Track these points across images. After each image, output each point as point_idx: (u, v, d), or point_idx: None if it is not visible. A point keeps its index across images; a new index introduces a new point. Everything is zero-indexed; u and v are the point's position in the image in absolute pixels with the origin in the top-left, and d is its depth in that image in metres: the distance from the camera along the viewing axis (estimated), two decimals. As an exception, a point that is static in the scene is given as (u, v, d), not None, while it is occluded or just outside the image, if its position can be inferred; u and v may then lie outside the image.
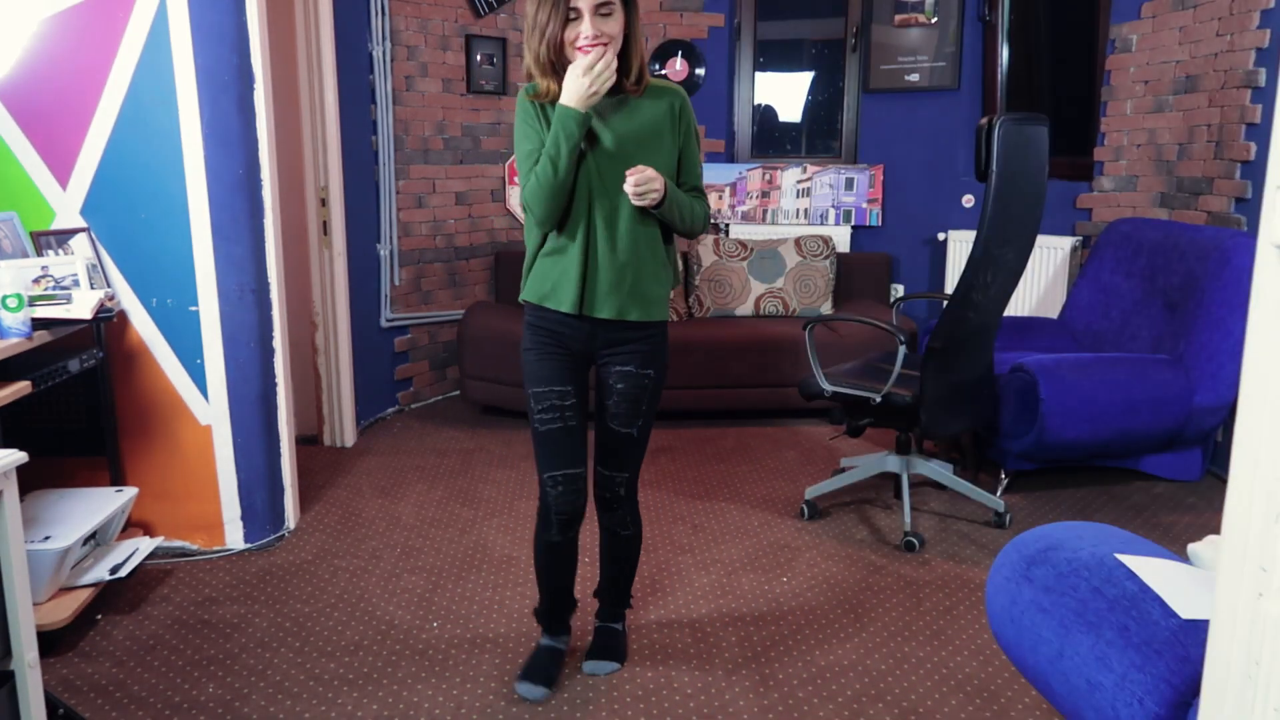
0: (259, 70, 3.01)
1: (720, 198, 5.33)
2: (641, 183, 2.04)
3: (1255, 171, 3.65)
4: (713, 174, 5.31)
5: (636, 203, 2.06)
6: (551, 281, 2.14)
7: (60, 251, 2.89)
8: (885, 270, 5.13)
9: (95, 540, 2.76)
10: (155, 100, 2.91)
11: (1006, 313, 3.70)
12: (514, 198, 5.11)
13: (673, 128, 2.16)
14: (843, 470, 3.63)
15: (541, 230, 2.12)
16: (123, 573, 2.68)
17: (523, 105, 2.11)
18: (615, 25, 2.02)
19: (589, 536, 2.60)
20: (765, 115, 5.60)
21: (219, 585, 2.92)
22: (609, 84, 2.00)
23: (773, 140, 5.65)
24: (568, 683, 2.39)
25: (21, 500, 1.91)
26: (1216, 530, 1.28)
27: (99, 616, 2.71)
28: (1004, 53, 4.93)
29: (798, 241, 4.93)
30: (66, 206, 2.97)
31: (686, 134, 2.19)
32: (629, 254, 2.12)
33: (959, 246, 4.97)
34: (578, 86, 1.98)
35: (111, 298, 2.91)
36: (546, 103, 2.09)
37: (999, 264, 2.98)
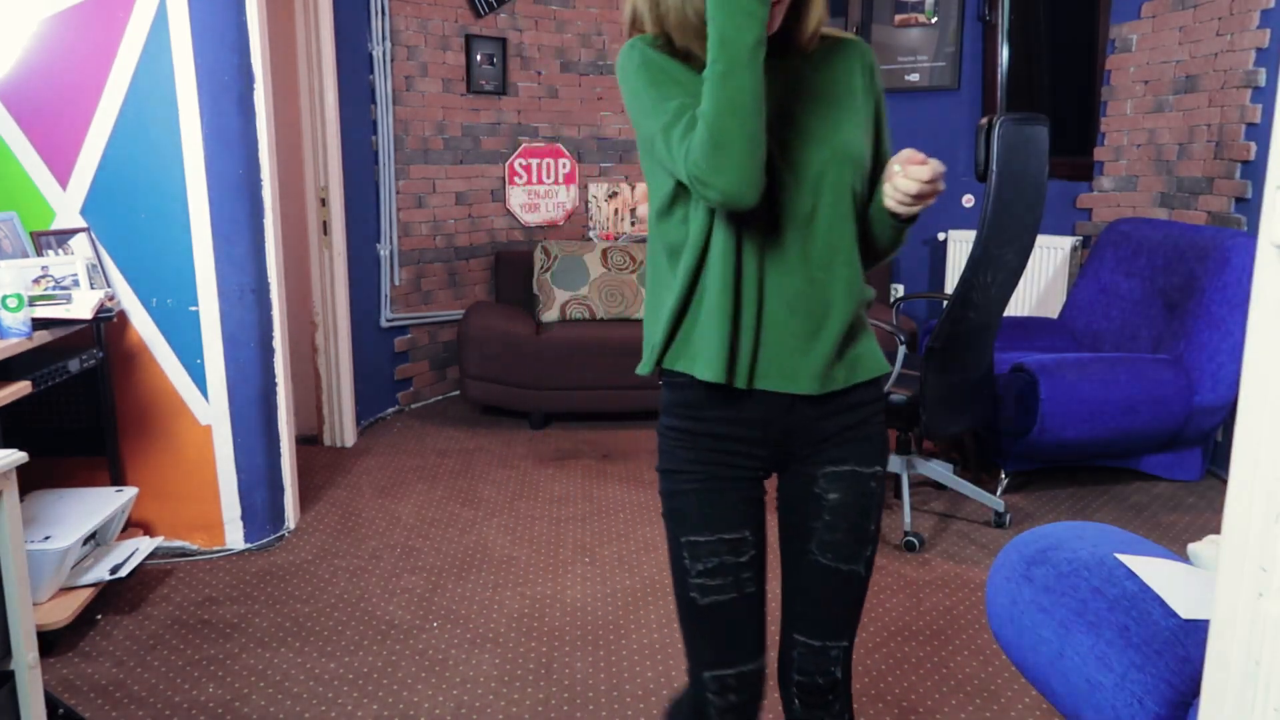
0: (259, 70, 3.01)
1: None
2: (935, 176, 1.25)
3: (1255, 171, 3.65)
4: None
5: (907, 210, 1.29)
6: (712, 343, 1.33)
7: (60, 251, 2.89)
8: (885, 270, 5.12)
9: (95, 540, 2.76)
10: (155, 100, 2.91)
11: (1006, 313, 3.70)
12: (514, 198, 5.11)
13: (866, 93, 1.42)
14: (843, 470, 3.62)
15: (742, 201, 1.24)
16: (123, 573, 2.68)
17: (646, 56, 1.33)
18: None
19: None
20: None
21: (219, 585, 2.93)
22: None
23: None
24: (567, 682, 2.39)
25: (21, 500, 1.91)
26: (1216, 530, 1.28)
27: (99, 616, 2.71)
28: (1004, 53, 4.93)
29: (798, 241, 4.92)
30: (66, 206, 2.97)
31: (880, 101, 1.46)
32: (835, 283, 1.36)
33: (959, 246, 4.97)
34: None
35: (111, 298, 2.91)
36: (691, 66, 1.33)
37: (999, 264, 2.98)
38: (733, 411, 1.38)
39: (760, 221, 1.32)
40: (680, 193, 1.34)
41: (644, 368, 1.44)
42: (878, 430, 1.45)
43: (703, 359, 1.34)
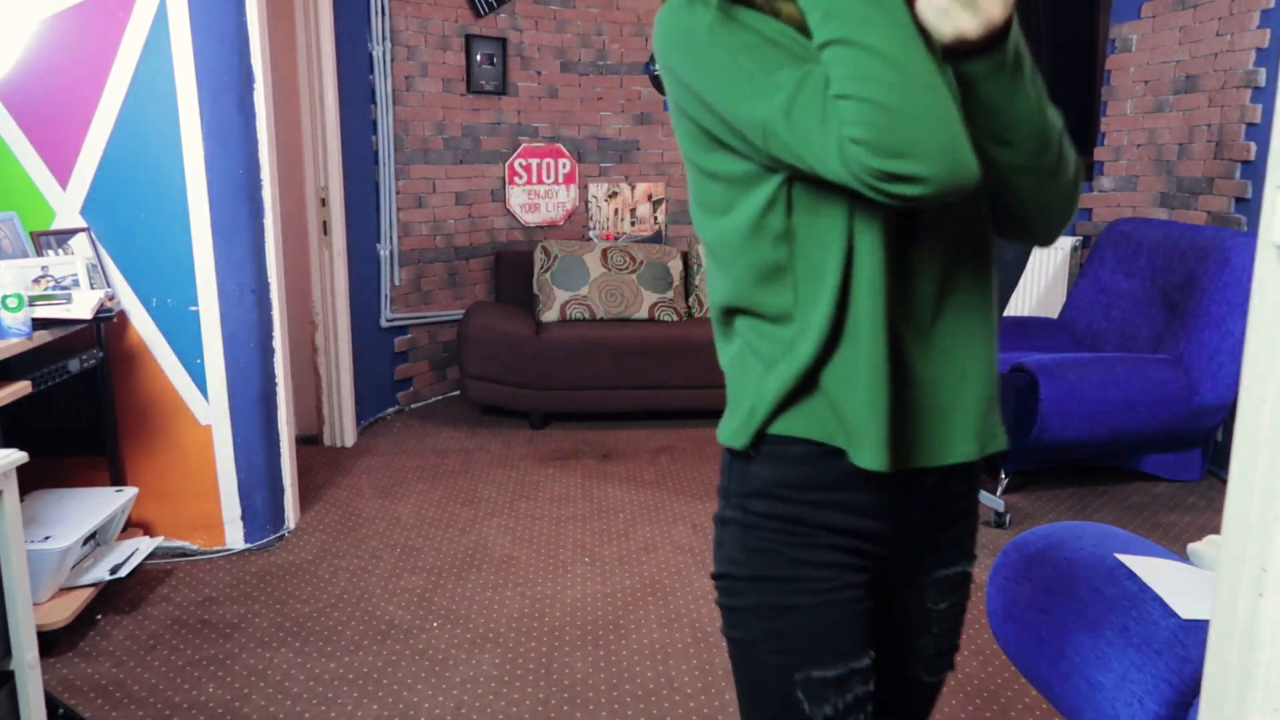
0: (259, 70, 3.01)
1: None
2: None
3: (1255, 171, 3.65)
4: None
5: (932, 18, 0.86)
6: (872, 413, 0.97)
7: (60, 251, 2.89)
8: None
9: (95, 540, 2.76)
10: (155, 100, 2.91)
11: (1006, 313, 3.70)
12: (514, 198, 5.11)
13: None
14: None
15: (964, 182, 0.85)
16: (123, 573, 2.68)
17: (723, 9, 0.94)
18: None
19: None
20: None
21: (219, 585, 2.93)
22: None
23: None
24: (567, 682, 2.39)
25: (21, 500, 1.91)
26: (1216, 530, 1.28)
27: (99, 616, 2.71)
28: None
29: (798, 241, 4.92)
30: (66, 206, 2.97)
31: None
32: (982, 305, 1.04)
33: (959, 246, 4.96)
34: None
35: (111, 298, 2.91)
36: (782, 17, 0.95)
37: (999, 264, 2.98)
38: (866, 494, 1.02)
39: (894, 235, 0.96)
40: (781, 195, 0.97)
41: (737, 438, 1.04)
42: (977, 511, 1.16)
43: (866, 439, 0.97)
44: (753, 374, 1.03)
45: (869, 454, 0.98)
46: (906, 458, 1.00)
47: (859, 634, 1.05)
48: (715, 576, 1.10)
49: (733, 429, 1.05)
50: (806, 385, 1.00)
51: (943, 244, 1.00)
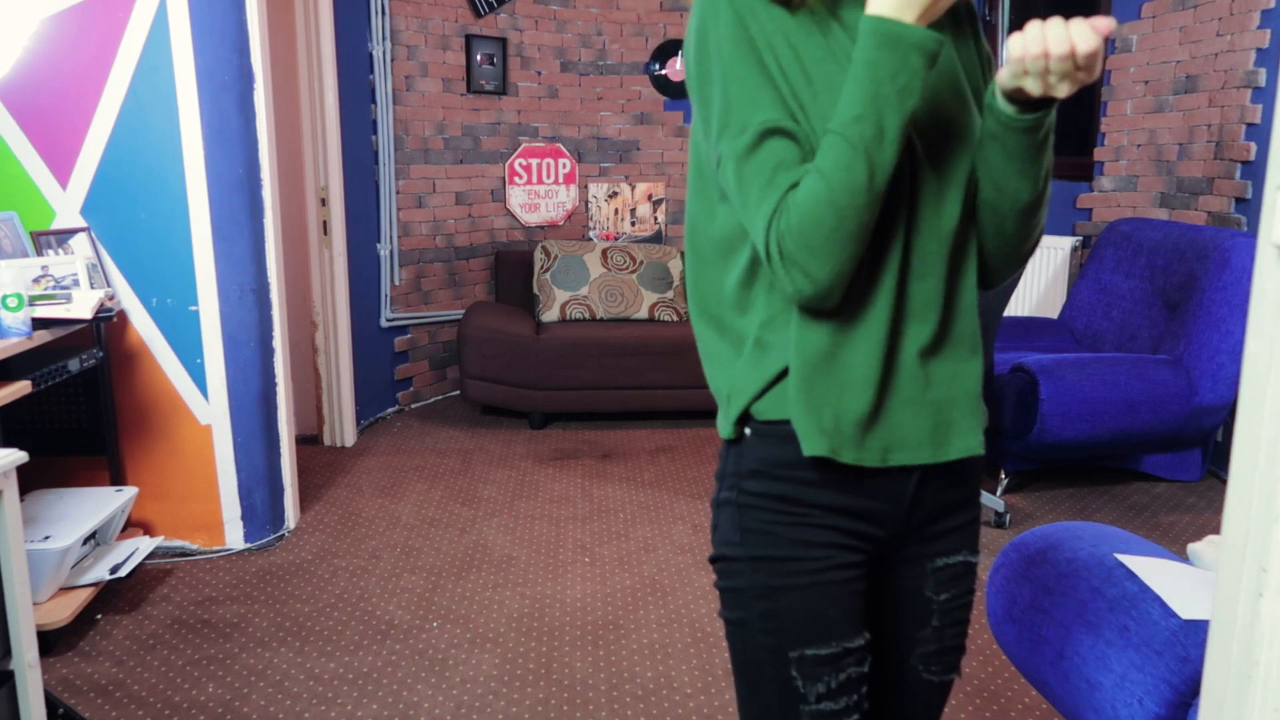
0: (259, 70, 3.01)
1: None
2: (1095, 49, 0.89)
3: (1255, 171, 3.65)
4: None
5: (1036, 85, 0.95)
6: (830, 392, 1.00)
7: (60, 251, 2.89)
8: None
9: (95, 540, 2.76)
10: (155, 100, 2.91)
11: (1006, 313, 3.70)
12: (514, 197, 5.11)
13: (976, 48, 1.11)
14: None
15: (826, 302, 0.97)
16: (123, 572, 2.68)
17: (734, 18, 0.96)
18: None
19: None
20: None
21: (219, 585, 2.93)
22: None
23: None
24: (567, 682, 2.39)
25: (21, 500, 1.91)
26: (1216, 530, 1.28)
27: (99, 616, 2.72)
28: (1004, 53, 4.93)
29: (798, 241, 4.92)
30: (66, 206, 2.97)
31: (984, 52, 1.12)
32: (972, 305, 1.07)
33: (959, 246, 4.96)
34: None
35: (111, 297, 2.91)
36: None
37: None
38: (860, 474, 1.04)
39: (899, 235, 1.00)
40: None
41: (725, 428, 1.07)
42: (979, 502, 1.16)
43: (836, 423, 1.00)
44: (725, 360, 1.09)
45: (853, 442, 1.02)
46: (889, 453, 1.04)
47: (853, 614, 1.06)
48: (713, 560, 1.11)
49: (720, 419, 1.09)
50: (746, 361, 1.06)
51: (951, 264, 1.04)
